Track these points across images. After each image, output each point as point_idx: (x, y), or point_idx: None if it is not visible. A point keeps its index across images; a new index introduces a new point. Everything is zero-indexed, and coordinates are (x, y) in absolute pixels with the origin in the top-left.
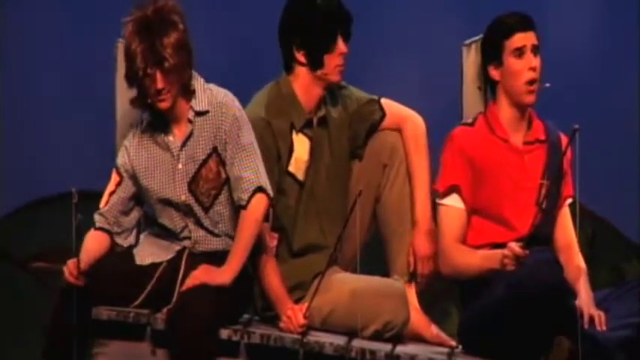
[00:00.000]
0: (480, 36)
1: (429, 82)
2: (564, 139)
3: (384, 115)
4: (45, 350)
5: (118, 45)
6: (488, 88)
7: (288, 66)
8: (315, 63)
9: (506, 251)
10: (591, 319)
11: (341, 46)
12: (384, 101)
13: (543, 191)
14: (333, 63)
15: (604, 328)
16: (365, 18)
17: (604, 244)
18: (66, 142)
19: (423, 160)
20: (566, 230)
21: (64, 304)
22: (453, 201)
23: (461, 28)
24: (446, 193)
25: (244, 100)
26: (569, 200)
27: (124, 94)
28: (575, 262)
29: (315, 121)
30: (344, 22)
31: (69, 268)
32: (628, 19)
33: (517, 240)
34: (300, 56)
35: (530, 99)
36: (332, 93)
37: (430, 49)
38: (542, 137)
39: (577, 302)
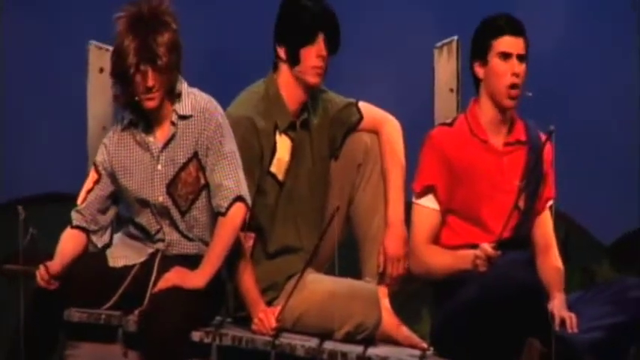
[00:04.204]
0: (452, 38)
1: (401, 84)
2: (544, 139)
3: (361, 117)
4: (15, 352)
5: (90, 47)
6: (473, 84)
7: (275, 63)
8: (291, 58)
9: (478, 252)
10: (562, 321)
11: (321, 47)
12: (361, 104)
13: (520, 192)
14: (309, 62)
15: (575, 330)
16: (339, 20)
17: (575, 246)
18: (42, 143)
19: (398, 163)
20: (545, 231)
21: (35, 306)
22: (428, 201)
23: (433, 30)
24: (421, 193)
25: (219, 100)
26: (550, 202)
27: (95, 97)
28: (552, 262)
29: (298, 123)
30: (327, 27)
31: (40, 273)
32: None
33: (494, 241)
34: (281, 51)
35: (509, 103)
36: (314, 98)
37: (402, 51)
38: (523, 138)
39: (550, 304)
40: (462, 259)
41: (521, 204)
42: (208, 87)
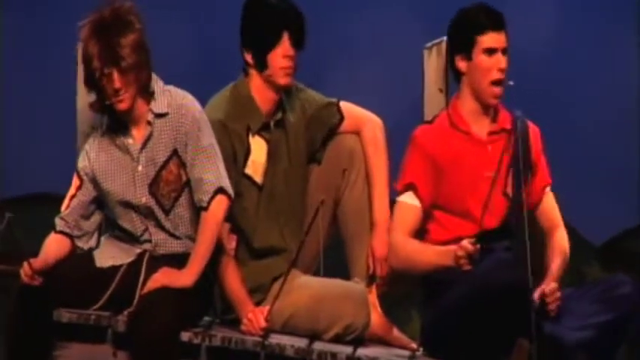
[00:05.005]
0: (441, 39)
1: (390, 84)
2: (533, 130)
3: (342, 118)
4: (5, 352)
5: (78, 48)
6: (453, 77)
7: (245, 68)
8: (259, 63)
9: (459, 252)
10: (544, 295)
11: (287, 47)
12: (342, 104)
13: (495, 181)
14: (277, 64)
15: (553, 303)
16: (327, 20)
17: None
18: (30, 143)
19: (381, 162)
20: (549, 215)
21: (22, 305)
22: (408, 198)
23: (422, 30)
24: (402, 191)
25: (206, 101)
26: (548, 188)
27: (84, 97)
28: (555, 243)
29: (272, 124)
30: (291, 25)
31: (24, 269)
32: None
33: (484, 232)
34: (248, 57)
35: (493, 101)
36: (290, 96)
37: (392, 51)
38: (508, 127)
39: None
40: (443, 255)
41: (509, 191)
42: (205, 87)
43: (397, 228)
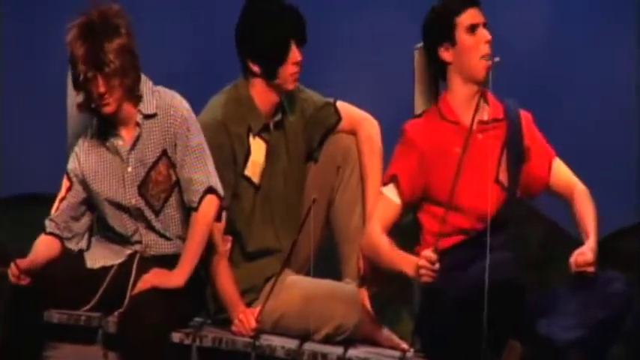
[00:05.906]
0: None
1: (387, 85)
2: (525, 116)
3: (339, 118)
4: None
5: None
6: (437, 73)
7: (245, 73)
8: (269, 75)
9: (421, 262)
10: (577, 264)
11: (295, 54)
12: (339, 104)
13: (502, 168)
14: (287, 72)
15: (588, 269)
16: (325, 21)
17: (555, 246)
18: (22, 143)
19: (376, 162)
20: (561, 181)
21: (13, 306)
22: (389, 192)
23: (414, 31)
24: (386, 182)
25: (201, 104)
26: (554, 160)
27: (73, 98)
28: (580, 200)
29: (271, 125)
30: (297, 30)
31: (12, 270)
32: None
33: (480, 221)
34: (255, 67)
35: (484, 73)
36: (289, 97)
37: (388, 52)
38: (500, 116)
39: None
40: (406, 264)
41: (502, 179)
42: (205, 88)
43: (376, 219)
